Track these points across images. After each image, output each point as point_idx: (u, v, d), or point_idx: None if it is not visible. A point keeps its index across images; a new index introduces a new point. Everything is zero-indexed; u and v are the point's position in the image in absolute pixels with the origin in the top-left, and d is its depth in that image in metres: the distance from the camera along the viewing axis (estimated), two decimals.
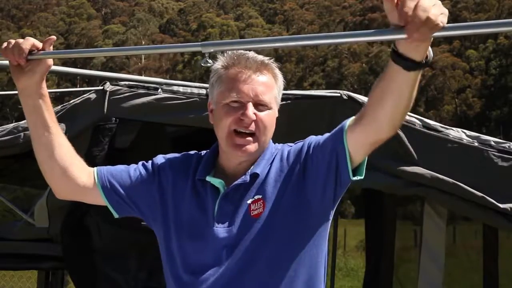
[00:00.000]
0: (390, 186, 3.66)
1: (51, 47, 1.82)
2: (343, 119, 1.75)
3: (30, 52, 1.77)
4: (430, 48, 1.46)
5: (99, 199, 1.92)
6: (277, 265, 1.75)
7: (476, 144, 3.58)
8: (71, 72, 4.62)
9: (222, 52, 1.85)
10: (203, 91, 3.66)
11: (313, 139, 1.83)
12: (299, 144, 1.86)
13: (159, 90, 3.69)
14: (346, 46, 69.75)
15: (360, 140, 1.68)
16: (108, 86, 3.67)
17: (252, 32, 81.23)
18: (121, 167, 1.95)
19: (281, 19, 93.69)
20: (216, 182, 1.83)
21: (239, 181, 1.81)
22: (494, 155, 3.54)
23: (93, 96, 3.70)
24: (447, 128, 3.66)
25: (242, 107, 1.79)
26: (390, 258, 4.61)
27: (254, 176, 1.81)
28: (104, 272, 3.97)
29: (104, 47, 8.38)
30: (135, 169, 1.93)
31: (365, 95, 3.28)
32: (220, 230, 1.78)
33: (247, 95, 1.79)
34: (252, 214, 1.77)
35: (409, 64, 1.47)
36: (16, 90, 1.92)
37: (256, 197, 1.79)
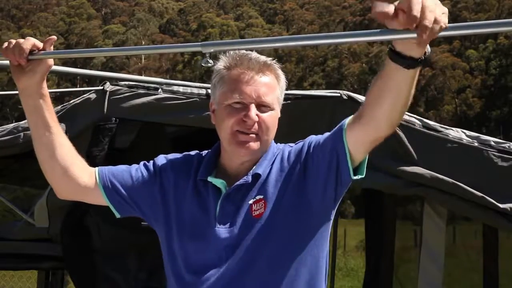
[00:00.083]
0: (390, 186, 3.65)
1: (52, 47, 1.82)
2: (343, 119, 1.75)
3: (31, 52, 1.77)
4: (428, 45, 1.45)
5: (100, 199, 1.92)
6: (278, 265, 1.75)
7: (476, 144, 3.58)
8: (71, 72, 4.61)
9: (223, 52, 1.84)
10: (203, 91, 3.66)
11: (313, 138, 1.83)
12: (300, 144, 1.85)
13: (159, 90, 3.68)
14: (346, 46, 69.70)
15: (359, 139, 1.68)
16: (108, 86, 3.66)
17: (252, 32, 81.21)
18: (122, 167, 1.95)
19: (281, 19, 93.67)
20: (218, 182, 1.83)
21: (241, 181, 1.81)
22: (494, 155, 3.54)
23: (93, 96, 3.69)
24: (447, 128, 3.65)
25: (244, 109, 1.79)
26: (390, 258, 4.60)
27: (256, 176, 1.81)
28: (104, 272, 3.97)
29: (104, 47, 8.35)
30: (137, 170, 1.93)
31: (365, 95, 3.27)
32: (222, 230, 1.78)
33: (250, 97, 1.79)
34: (253, 215, 1.77)
35: (408, 62, 1.47)
36: (16, 90, 1.93)
37: (257, 197, 1.79)
